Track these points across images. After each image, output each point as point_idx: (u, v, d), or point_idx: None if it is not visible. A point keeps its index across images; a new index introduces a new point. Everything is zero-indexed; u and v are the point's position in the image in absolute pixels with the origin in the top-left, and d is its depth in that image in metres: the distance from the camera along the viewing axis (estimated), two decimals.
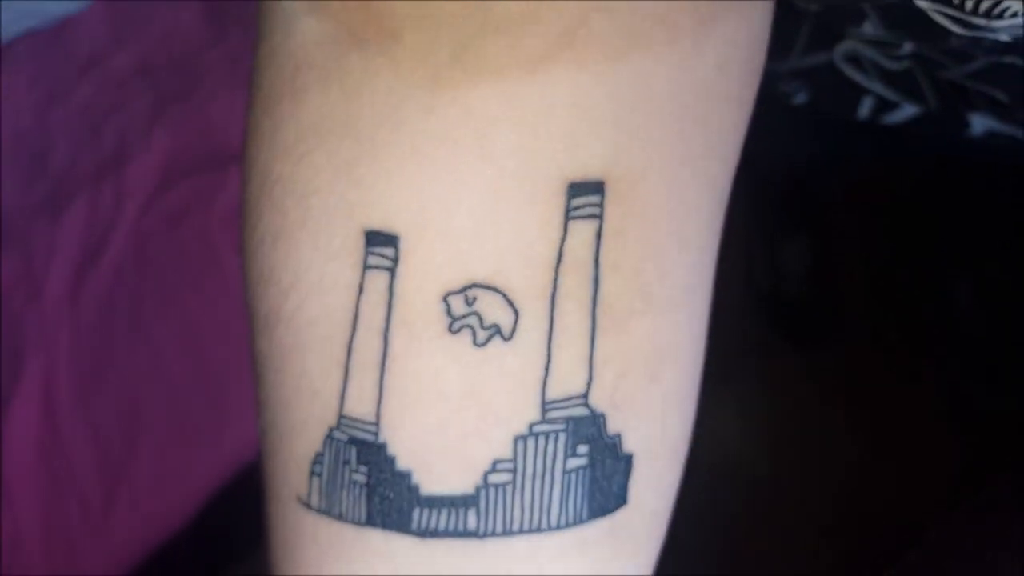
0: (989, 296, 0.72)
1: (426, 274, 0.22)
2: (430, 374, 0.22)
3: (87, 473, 0.62)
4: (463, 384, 0.22)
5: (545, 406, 0.22)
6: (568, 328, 0.22)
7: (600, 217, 0.22)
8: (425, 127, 0.22)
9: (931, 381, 0.72)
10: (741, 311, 0.77)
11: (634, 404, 0.23)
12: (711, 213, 0.24)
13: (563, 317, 0.22)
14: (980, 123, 0.38)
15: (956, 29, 0.27)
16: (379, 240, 0.22)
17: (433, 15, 0.21)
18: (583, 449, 0.22)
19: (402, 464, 0.22)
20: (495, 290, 0.22)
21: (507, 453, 0.22)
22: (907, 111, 0.39)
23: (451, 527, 0.22)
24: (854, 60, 0.37)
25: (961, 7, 0.26)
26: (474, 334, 0.22)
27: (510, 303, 0.22)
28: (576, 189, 0.22)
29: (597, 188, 0.22)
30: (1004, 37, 0.27)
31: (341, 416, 0.22)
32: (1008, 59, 0.31)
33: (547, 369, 0.22)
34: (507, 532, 0.22)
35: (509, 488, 0.22)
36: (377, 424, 0.22)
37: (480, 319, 0.22)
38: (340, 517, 0.23)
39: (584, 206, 0.22)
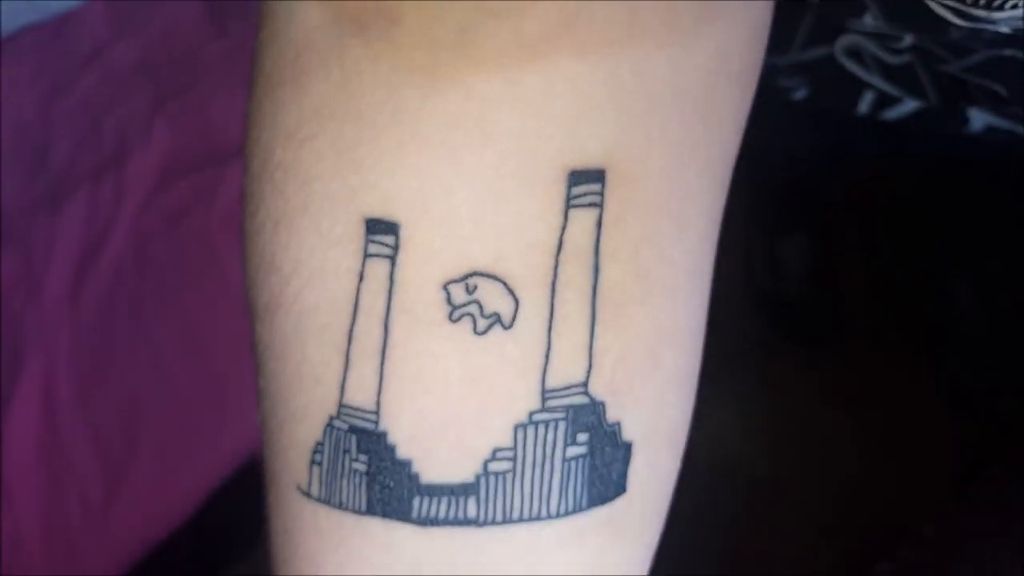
0: (989, 295, 0.72)
1: (426, 262, 0.22)
2: (430, 363, 0.22)
3: (87, 472, 0.62)
4: (463, 373, 0.22)
5: (545, 394, 0.22)
6: (568, 316, 0.22)
7: (601, 205, 0.22)
8: (426, 112, 0.21)
9: (931, 379, 0.72)
10: (741, 311, 0.77)
11: (633, 392, 0.23)
12: (711, 201, 0.24)
13: (563, 305, 0.22)
14: (979, 119, 0.38)
15: (957, 21, 0.27)
16: (380, 228, 0.22)
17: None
18: (583, 437, 0.22)
19: (402, 453, 0.22)
20: (495, 278, 0.22)
21: (507, 441, 0.22)
22: (907, 106, 0.39)
23: (451, 515, 0.22)
24: (855, 54, 0.37)
25: None
26: (474, 322, 0.22)
27: (510, 291, 0.22)
28: (577, 177, 0.22)
29: (598, 176, 0.22)
30: (1004, 29, 0.27)
31: (341, 405, 0.22)
32: (1008, 52, 0.31)
33: (547, 357, 0.22)
34: (507, 520, 0.22)
35: (509, 476, 0.22)
36: (377, 413, 0.22)
37: (480, 307, 0.22)
38: (340, 506, 0.23)
39: (585, 194, 0.22)
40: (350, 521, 0.23)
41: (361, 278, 0.22)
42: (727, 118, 0.24)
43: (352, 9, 0.22)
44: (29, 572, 0.59)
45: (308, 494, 0.23)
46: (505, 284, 0.22)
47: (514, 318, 0.22)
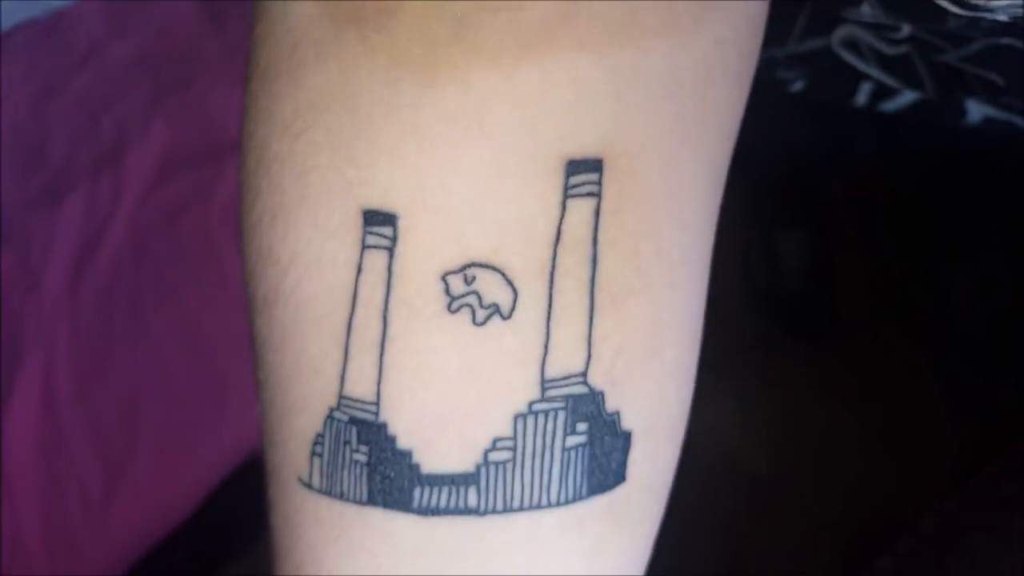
0: (987, 290, 0.72)
1: (425, 253, 0.22)
2: (429, 353, 0.22)
3: (87, 468, 0.62)
4: (462, 363, 0.22)
5: (544, 384, 0.22)
6: (567, 307, 0.22)
7: (598, 195, 0.22)
8: (423, 106, 0.21)
9: (930, 374, 0.72)
10: (740, 307, 0.77)
11: (632, 382, 0.23)
12: (709, 191, 0.24)
13: (562, 296, 0.22)
14: (977, 110, 0.38)
15: (955, 9, 0.27)
16: (377, 219, 0.22)
17: None
18: (582, 427, 0.22)
19: (403, 443, 0.22)
20: (494, 269, 0.22)
21: (507, 431, 0.22)
22: (905, 97, 0.40)
23: (452, 505, 0.22)
24: (852, 45, 0.37)
25: None
26: (473, 313, 0.22)
27: (509, 282, 0.22)
28: (574, 167, 0.22)
29: (596, 166, 0.22)
30: (1002, 17, 0.28)
31: (341, 396, 0.22)
32: (1005, 40, 0.31)
33: (546, 347, 0.22)
34: (507, 510, 0.22)
35: (509, 466, 0.22)
36: (377, 404, 0.22)
37: (479, 298, 0.22)
38: (341, 497, 0.23)
39: (583, 184, 0.22)
40: (351, 512, 0.23)
41: (359, 269, 0.22)
42: (724, 111, 0.24)
43: (349, 3, 0.22)
44: (29, 568, 0.59)
45: (309, 485, 0.23)
46: (503, 275, 0.22)
47: (513, 308, 0.22)
